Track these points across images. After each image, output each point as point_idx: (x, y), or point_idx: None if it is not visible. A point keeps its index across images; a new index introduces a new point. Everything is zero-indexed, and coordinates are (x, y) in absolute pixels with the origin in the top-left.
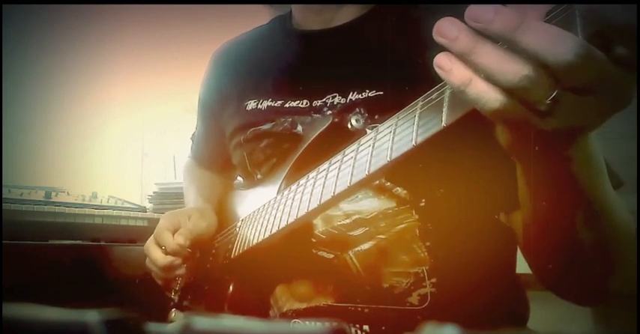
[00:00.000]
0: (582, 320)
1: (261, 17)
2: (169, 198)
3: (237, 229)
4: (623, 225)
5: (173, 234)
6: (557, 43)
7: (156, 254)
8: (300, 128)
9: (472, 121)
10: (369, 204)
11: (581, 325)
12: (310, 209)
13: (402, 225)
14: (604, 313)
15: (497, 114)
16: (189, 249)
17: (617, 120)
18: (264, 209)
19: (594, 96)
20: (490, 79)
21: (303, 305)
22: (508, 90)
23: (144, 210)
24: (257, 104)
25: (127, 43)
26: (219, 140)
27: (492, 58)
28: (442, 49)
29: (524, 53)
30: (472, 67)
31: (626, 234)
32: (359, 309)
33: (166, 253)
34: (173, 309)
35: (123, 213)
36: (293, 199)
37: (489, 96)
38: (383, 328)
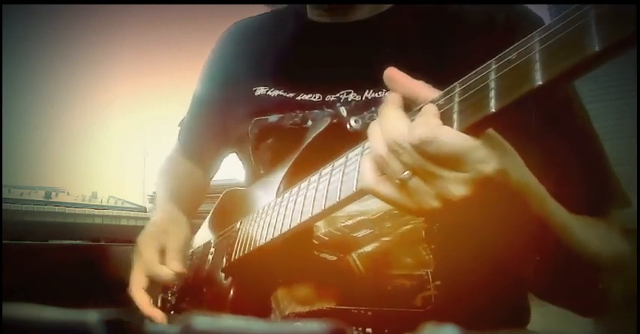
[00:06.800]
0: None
1: None
2: None
3: (237, 231)
4: (590, 248)
5: (162, 261)
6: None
7: (146, 301)
8: (310, 124)
9: (483, 129)
10: (374, 205)
11: (581, 325)
12: (314, 213)
13: (408, 227)
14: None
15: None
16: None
17: (616, 121)
18: (264, 211)
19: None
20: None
21: (306, 309)
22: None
23: (144, 209)
24: (267, 91)
25: (127, 43)
26: (213, 127)
27: (371, 131)
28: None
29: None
30: None
31: (600, 259)
32: (362, 312)
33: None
34: (171, 312)
35: (123, 213)
36: (295, 202)
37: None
38: (386, 331)
